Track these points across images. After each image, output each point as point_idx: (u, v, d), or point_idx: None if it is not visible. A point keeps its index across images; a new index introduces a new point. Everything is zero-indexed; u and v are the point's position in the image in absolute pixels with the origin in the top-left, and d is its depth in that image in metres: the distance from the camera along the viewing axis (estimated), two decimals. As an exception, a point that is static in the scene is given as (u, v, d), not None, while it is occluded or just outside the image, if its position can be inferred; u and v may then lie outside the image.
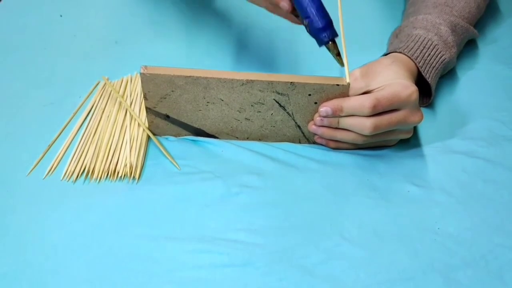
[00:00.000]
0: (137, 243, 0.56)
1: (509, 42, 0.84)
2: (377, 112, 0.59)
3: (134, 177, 0.62)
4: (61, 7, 0.88)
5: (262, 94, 0.61)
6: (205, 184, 0.61)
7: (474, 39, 0.82)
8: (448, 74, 0.76)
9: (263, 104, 0.62)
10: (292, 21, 0.65)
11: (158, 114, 0.64)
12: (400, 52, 0.67)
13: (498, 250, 0.56)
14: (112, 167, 0.62)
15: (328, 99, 0.61)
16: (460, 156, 0.66)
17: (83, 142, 0.65)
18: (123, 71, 0.75)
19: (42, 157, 0.64)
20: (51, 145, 0.65)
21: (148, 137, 0.66)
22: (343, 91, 0.60)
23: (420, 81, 0.68)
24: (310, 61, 0.78)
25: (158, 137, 0.67)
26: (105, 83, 0.73)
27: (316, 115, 0.62)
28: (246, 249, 0.55)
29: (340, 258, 0.55)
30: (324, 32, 0.60)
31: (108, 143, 0.65)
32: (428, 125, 0.69)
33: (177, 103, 0.63)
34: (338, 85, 0.60)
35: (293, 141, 0.67)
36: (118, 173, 0.62)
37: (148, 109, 0.64)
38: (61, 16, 0.85)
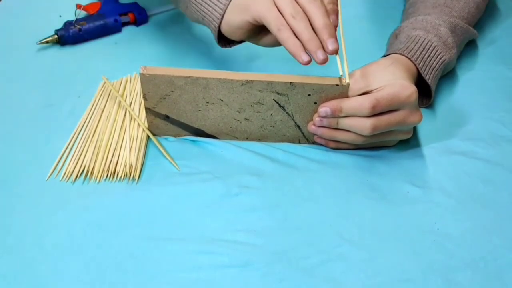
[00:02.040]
0: (136, 243, 0.56)
1: (509, 42, 0.84)
2: (376, 112, 0.59)
3: (133, 177, 0.62)
4: (61, 7, 0.88)
5: (261, 94, 0.61)
6: (204, 185, 0.61)
7: (474, 40, 0.82)
8: (447, 74, 0.76)
9: (262, 104, 0.62)
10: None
11: (157, 115, 0.64)
12: (400, 54, 0.67)
13: (497, 251, 0.56)
14: (111, 167, 0.62)
15: (328, 99, 0.61)
16: (460, 157, 0.66)
17: (83, 142, 0.65)
18: (123, 71, 0.75)
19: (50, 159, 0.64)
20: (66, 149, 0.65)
21: (148, 137, 0.66)
22: (343, 91, 0.60)
23: (420, 82, 0.68)
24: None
25: (158, 137, 0.67)
26: (105, 83, 0.73)
27: (316, 115, 0.62)
28: (246, 250, 0.55)
29: (340, 259, 0.55)
30: None
31: (107, 144, 0.65)
32: (428, 126, 0.69)
33: (177, 104, 0.63)
34: (337, 85, 0.60)
35: (292, 141, 0.67)
36: (117, 173, 0.62)
37: (147, 110, 0.64)
38: (60, 16, 0.85)
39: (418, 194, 0.62)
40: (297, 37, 0.58)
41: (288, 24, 0.59)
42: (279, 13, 0.59)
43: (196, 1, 0.66)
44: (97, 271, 0.53)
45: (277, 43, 0.63)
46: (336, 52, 0.59)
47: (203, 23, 0.67)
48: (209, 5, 0.64)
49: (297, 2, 0.59)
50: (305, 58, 0.58)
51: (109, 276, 0.53)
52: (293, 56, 0.58)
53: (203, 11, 0.65)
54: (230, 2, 0.63)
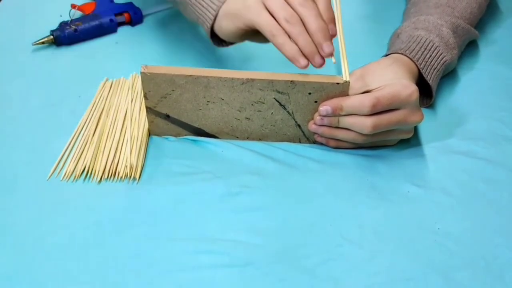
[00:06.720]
0: (137, 243, 0.56)
1: (510, 42, 0.84)
2: (376, 111, 0.59)
3: (134, 177, 0.62)
4: (61, 7, 0.88)
5: (262, 93, 0.61)
6: (205, 185, 0.61)
7: (475, 39, 0.82)
8: (448, 74, 0.76)
9: (263, 103, 0.62)
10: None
11: (158, 114, 0.64)
12: (401, 53, 0.67)
13: (498, 250, 0.56)
14: (112, 167, 0.62)
15: (328, 97, 0.61)
16: (460, 156, 0.66)
17: (83, 142, 0.65)
18: (123, 71, 0.75)
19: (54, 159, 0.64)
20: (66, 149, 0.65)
21: (148, 137, 0.66)
22: (343, 90, 0.60)
23: (421, 82, 0.68)
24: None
25: (159, 137, 0.67)
26: (106, 83, 0.73)
27: (316, 114, 0.62)
28: (247, 250, 0.55)
29: (340, 259, 0.55)
30: None
31: (108, 143, 0.65)
32: (429, 125, 0.69)
33: (178, 103, 0.63)
34: (338, 83, 0.60)
35: (293, 141, 0.67)
36: (118, 173, 0.62)
37: (148, 109, 0.64)
38: (61, 16, 0.85)
39: (419, 194, 0.62)
40: (293, 40, 0.58)
41: (282, 29, 0.58)
42: (271, 18, 0.59)
43: (191, 2, 0.66)
44: (97, 271, 0.53)
45: None
46: (331, 55, 0.59)
47: (198, 23, 0.68)
48: (203, 6, 0.65)
49: (289, 5, 0.59)
50: (303, 62, 0.58)
51: (110, 276, 0.53)
52: (291, 61, 0.58)
53: (198, 12, 0.66)
54: (222, 4, 0.63)
